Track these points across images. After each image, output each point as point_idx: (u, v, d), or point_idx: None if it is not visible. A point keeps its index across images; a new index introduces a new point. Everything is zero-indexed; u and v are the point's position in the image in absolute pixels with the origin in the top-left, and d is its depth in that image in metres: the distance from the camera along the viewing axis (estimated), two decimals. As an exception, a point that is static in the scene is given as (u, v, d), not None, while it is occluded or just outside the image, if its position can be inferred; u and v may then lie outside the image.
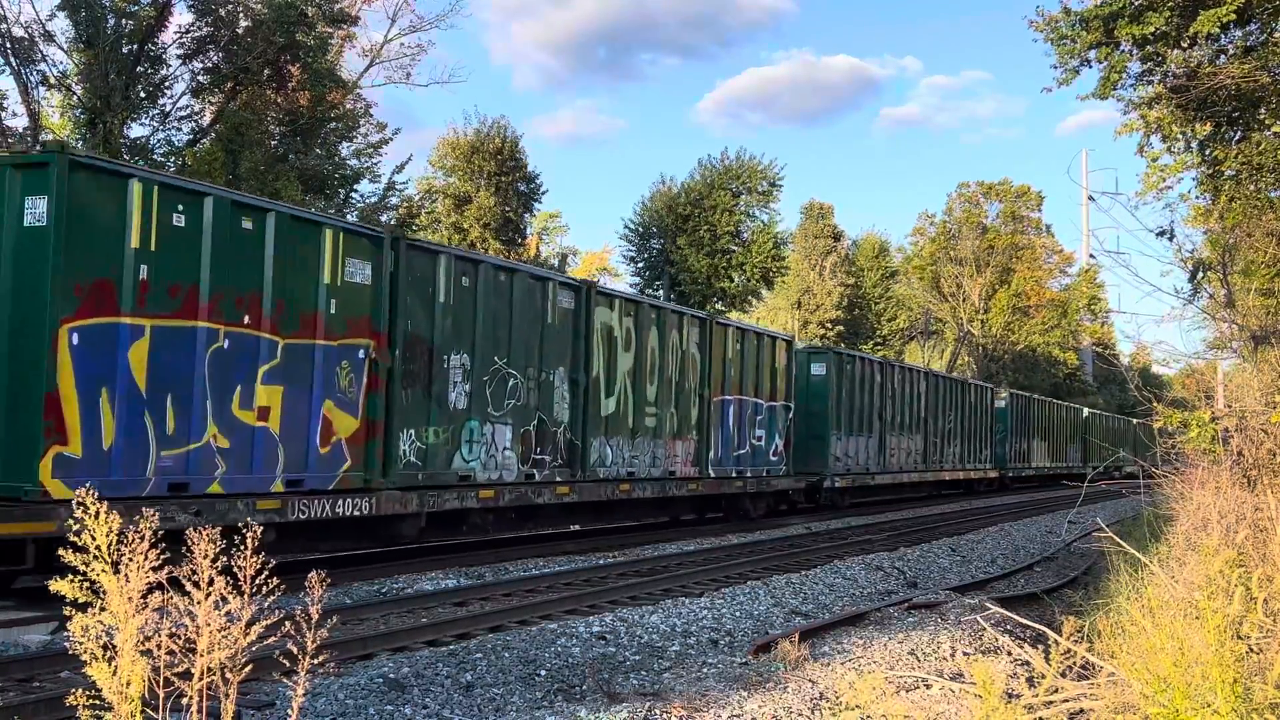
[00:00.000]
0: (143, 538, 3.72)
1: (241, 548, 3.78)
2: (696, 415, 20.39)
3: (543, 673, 8.27)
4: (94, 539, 3.70)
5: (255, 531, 3.82)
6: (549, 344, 16.24)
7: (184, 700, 3.72)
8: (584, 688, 7.85)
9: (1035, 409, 44.57)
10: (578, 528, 19.31)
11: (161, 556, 3.78)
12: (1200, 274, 13.76)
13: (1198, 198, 13.78)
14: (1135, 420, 52.09)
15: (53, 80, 24.46)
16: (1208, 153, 12.85)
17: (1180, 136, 12.69)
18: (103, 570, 3.68)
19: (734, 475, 21.80)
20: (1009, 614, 9.11)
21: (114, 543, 3.72)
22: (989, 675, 5.59)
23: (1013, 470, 41.06)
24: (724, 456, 21.42)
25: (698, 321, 20.76)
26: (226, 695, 3.76)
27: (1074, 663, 6.13)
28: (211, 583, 3.73)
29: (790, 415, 24.24)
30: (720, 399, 21.29)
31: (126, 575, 3.69)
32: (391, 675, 7.77)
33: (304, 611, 3.90)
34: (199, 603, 3.72)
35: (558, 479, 16.47)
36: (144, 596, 3.72)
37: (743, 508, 22.87)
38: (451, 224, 37.95)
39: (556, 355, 16.46)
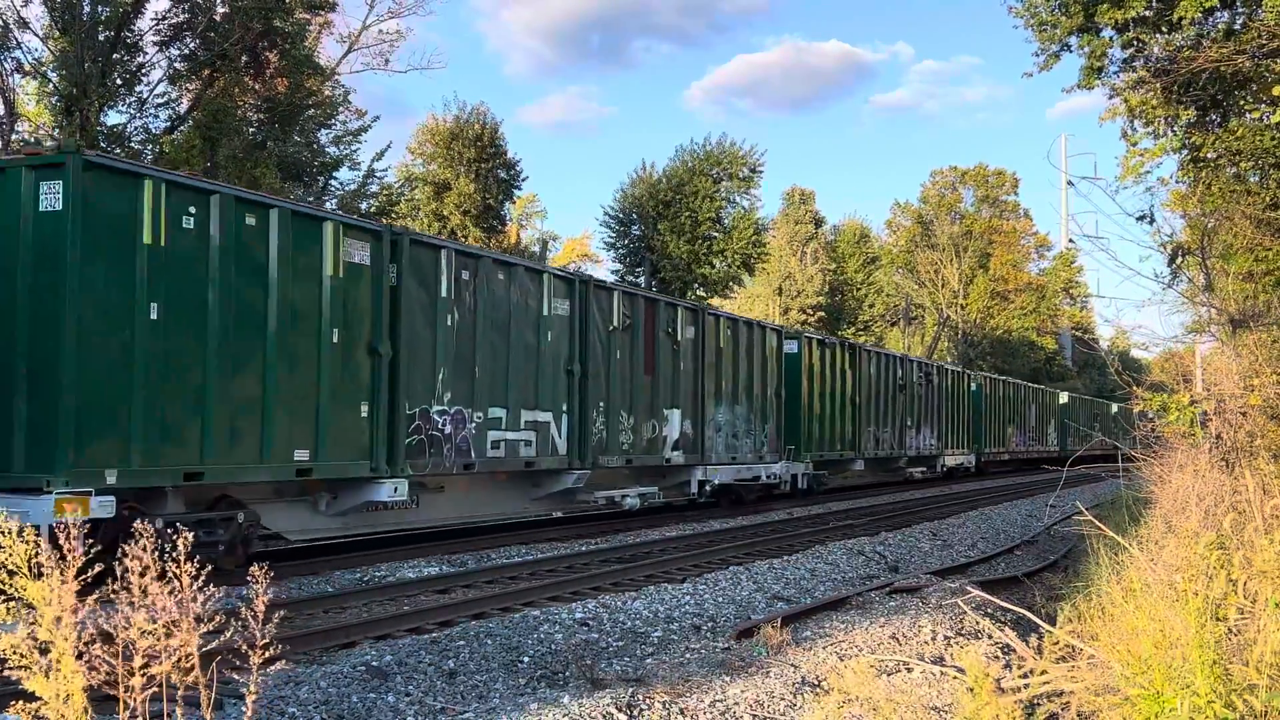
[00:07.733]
0: (68, 536, 3.58)
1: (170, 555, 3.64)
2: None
3: (526, 659, 8.26)
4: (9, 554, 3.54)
5: (185, 537, 3.70)
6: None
7: (129, 714, 3.63)
8: (567, 674, 7.85)
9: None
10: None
11: (95, 549, 3.67)
12: (1179, 258, 13.79)
13: (1178, 182, 13.81)
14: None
15: (28, 67, 24.18)
16: (1188, 138, 12.86)
17: (1162, 120, 12.68)
18: (24, 586, 3.51)
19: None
20: (989, 597, 9.15)
21: (34, 552, 3.56)
22: (979, 666, 5.60)
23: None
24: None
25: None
26: (174, 700, 3.64)
27: (1055, 646, 6.16)
28: (145, 593, 3.59)
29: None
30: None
31: (53, 588, 3.52)
32: (374, 663, 7.75)
33: (248, 607, 3.79)
34: (135, 610, 3.56)
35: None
36: (74, 611, 3.56)
37: (735, 493, 23.10)
38: (431, 211, 37.73)
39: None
